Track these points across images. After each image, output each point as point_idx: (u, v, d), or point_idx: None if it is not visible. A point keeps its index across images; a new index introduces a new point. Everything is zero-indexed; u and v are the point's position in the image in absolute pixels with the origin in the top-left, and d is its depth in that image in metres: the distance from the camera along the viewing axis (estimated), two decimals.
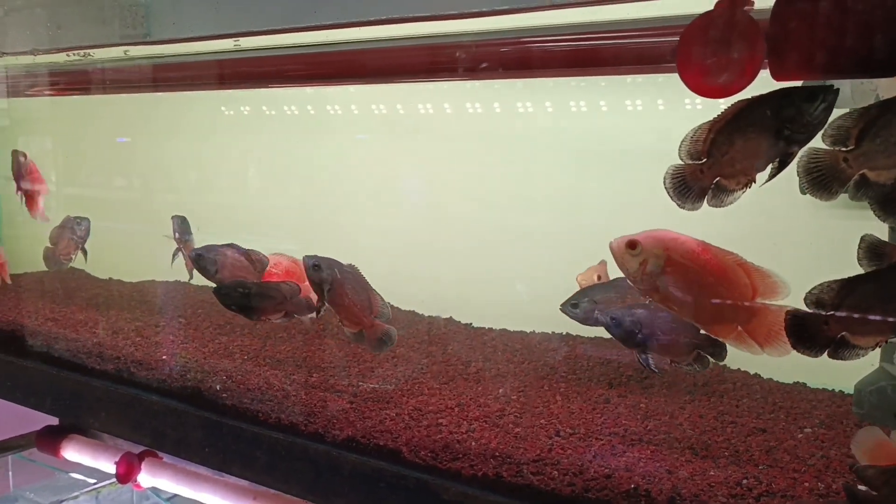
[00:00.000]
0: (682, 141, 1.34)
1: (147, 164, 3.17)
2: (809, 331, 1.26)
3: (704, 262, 1.55)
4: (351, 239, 2.66)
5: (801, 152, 1.23)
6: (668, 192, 1.36)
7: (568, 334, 2.29)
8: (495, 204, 2.49)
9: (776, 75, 1.20)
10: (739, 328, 1.53)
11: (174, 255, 2.46)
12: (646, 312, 1.72)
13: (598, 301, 1.95)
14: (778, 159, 1.27)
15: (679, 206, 1.37)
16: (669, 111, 2.13)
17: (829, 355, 1.26)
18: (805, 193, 1.79)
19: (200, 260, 2.09)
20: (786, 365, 1.72)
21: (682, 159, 1.34)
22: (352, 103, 2.74)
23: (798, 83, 1.26)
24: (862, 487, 1.20)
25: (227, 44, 2.12)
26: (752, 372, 2.00)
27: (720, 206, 1.35)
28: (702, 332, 1.63)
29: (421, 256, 2.52)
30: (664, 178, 1.37)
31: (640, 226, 1.68)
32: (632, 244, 1.54)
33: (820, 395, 1.86)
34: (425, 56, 1.96)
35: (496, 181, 2.49)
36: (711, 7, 1.23)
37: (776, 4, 1.18)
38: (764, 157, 1.28)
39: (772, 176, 1.29)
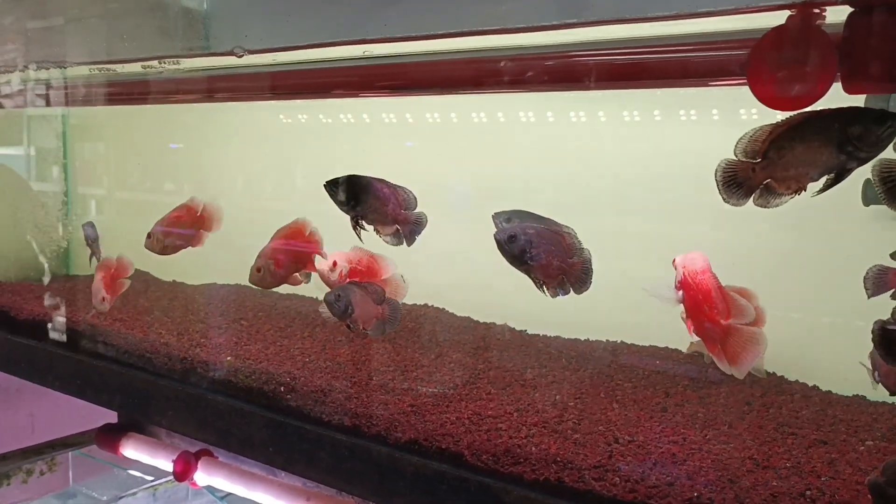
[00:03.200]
0: (741, 139, 1.38)
1: (207, 170, 3.25)
2: None
3: (700, 283, 1.83)
4: (404, 246, 2.70)
5: (874, 162, 1.25)
6: (717, 185, 1.42)
7: (622, 343, 2.30)
8: (548, 211, 2.50)
9: (848, 88, 1.21)
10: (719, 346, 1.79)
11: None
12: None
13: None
14: (834, 173, 1.30)
15: (724, 199, 1.43)
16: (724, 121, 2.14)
17: None
18: (868, 206, 1.80)
19: (338, 302, 1.99)
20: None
21: (736, 155, 1.39)
22: (406, 111, 2.78)
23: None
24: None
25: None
26: (810, 384, 1.99)
27: (765, 207, 1.40)
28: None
29: (476, 264, 2.54)
30: (715, 170, 1.42)
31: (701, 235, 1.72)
32: (673, 261, 1.85)
33: (880, 409, 1.85)
34: (475, 69, 1.99)
35: (549, 188, 2.51)
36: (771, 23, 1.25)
37: (849, 18, 1.19)
38: (820, 168, 1.31)
39: (825, 188, 1.33)
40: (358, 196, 1.86)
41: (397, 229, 1.91)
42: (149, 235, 2.45)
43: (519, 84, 1.98)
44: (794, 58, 1.21)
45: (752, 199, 1.39)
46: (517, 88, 2.17)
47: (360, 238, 1.94)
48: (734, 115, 2.07)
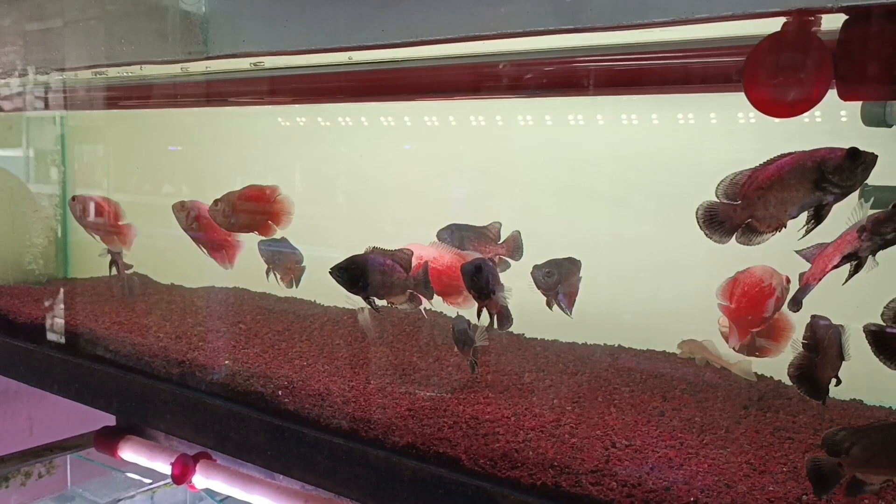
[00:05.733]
0: (721, 181, 1.44)
1: (205, 173, 3.26)
2: (891, 344, 1.28)
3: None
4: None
5: None
6: (698, 223, 1.47)
7: (619, 346, 2.31)
8: (543, 213, 2.51)
9: (843, 95, 1.22)
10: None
11: None
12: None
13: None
14: (813, 211, 1.35)
15: (707, 236, 1.48)
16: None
17: None
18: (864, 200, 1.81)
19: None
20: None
21: (717, 197, 1.44)
22: (405, 115, 2.79)
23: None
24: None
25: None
26: None
27: (748, 245, 1.45)
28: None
29: None
30: (696, 209, 1.47)
31: None
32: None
33: (877, 413, 1.85)
34: (473, 74, 1.99)
35: (547, 191, 2.51)
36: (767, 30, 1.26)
37: (844, 26, 1.19)
38: (798, 205, 1.36)
39: (808, 230, 1.38)
40: (363, 278, 1.88)
41: (411, 293, 1.92)
42: (73, 198, 2.67)
43: (517, 89, 1.98)
44: (790, 64, 1.21)
45: (734, 237, 1.43)
46: (515, 93, 2.17)
47: (376, 310, 1.97)
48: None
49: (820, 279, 1.40)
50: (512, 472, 1.57)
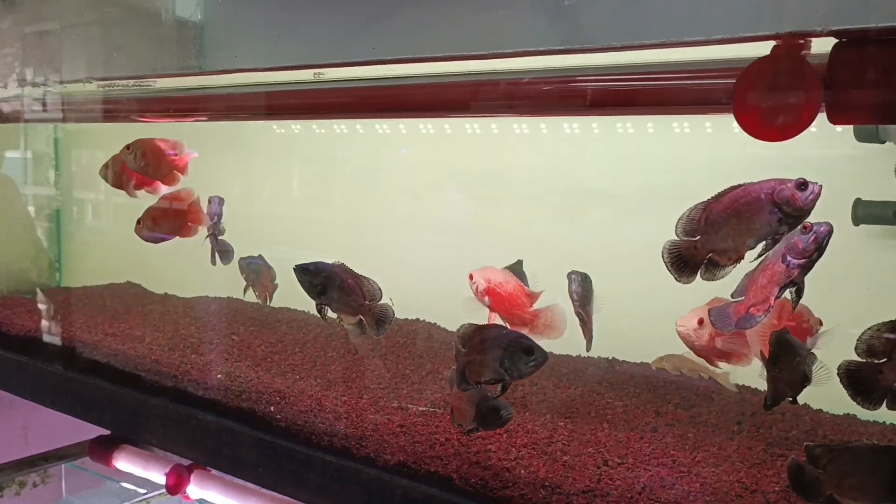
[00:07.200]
0: (679, 219, 1.43)
1: (201, 180, 3.25)
2: (866, 381, 1.27)
3: None
4: (394, 255, 2.70)
5: None
6: (665, 266, 1.46)
7: (614, 359, 2.30)
8: (542, 224, 2.51)
9: (833, 119, 1.21)
10: None
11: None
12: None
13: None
14: (770, 238, 1.36)
15: (675, 279, 1.46)
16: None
17: (889, 406, 1.26)
18: (858, 225, 1.80)
19: None
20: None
21: (677, 236, 1.43)
22: (399, 122, 2.78)
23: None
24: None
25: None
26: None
27: (713, 280, 1.43)
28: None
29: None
30: (662, 253, 1.46)
31: None
32: None
33: (871, 429, 1.84)
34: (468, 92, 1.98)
35: (544, 196, 2.51)
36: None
37: (834, 49, 1.19)
38: (755, 236, 1.36)
39: (762, 253, 1.39)
40: (323, 285, 1.89)
41: (360, 320, 1.92)
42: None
43: (511, 108, 1.99)
44: (780, 88, 1.20)
45: (699, 274, 1.43)
46: (509, 112, 2.17)
47: (323, 318, 1.94)
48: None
49: (766, 311, 1.40)
50: (503, 492, 1.57)
